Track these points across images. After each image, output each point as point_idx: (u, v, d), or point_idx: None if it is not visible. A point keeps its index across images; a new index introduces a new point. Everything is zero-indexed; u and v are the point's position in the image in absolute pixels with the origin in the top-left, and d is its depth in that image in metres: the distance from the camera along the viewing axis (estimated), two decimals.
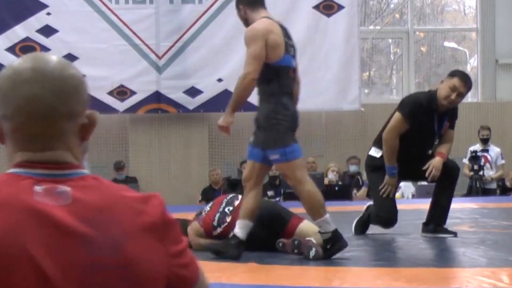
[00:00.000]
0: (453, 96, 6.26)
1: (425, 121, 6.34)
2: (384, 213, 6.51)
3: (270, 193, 13.09)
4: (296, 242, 5.16)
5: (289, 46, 5.33)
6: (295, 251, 5.18)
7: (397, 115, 6.33)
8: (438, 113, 6.37)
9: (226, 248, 5.11)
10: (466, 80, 6.40)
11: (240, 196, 5.79)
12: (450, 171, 6.44)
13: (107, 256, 1.50)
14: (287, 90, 5.31)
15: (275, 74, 5.31)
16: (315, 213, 5.03)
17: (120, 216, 1.55)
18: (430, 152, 6.59)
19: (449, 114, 6.50)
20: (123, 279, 1.51)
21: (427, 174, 6.35)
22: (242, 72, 5.38)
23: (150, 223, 1.57)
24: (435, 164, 6.35)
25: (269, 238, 5.42)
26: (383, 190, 6.46)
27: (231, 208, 5.67)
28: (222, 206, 5.72)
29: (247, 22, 5.46)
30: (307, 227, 5.47)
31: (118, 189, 1.61)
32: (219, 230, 5.61)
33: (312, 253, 4.99)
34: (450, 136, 6.60)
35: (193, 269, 1.68)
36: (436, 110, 6.34)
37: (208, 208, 5.82)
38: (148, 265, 1.55)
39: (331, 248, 4.97)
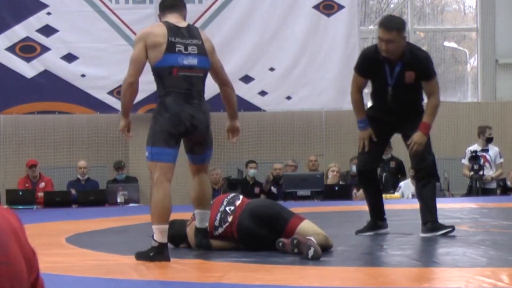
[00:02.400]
0: (382, 46, 6.20)
1: (376, 72, 6.33)
2: (359, 165, 6.63)
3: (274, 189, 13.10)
4: (295, 241, 5.16)
5: (178, 44, 5.26)
6: (295, 250, 5.18)
7: None
8: (388, 63, 6.27)
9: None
10: (385, 25, 6.20)
11: (241, 196, 5.80)
12: (426, 168, 6.37)
13: None
14: (173, 90, 5.29)
15: (157, 75, 5.41)
16: (153, 217, 5.09)
17: None
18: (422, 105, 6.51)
19: (407, 63, 6.26)
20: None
21: (409, 152, 6.32)
22: None
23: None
24: (416, 139, 6.28)
25: (270, 237, 5.42)
26: (358, 144, 6.53)
27: (232, 207, 5.64)
28: (223, 205, 5.68)
29: None
30: (308, 226, 5.47)
31: None
32: (220, 230, 5.59)
33: (310, 252, 4.98)
34: (429, 90, 6.34)
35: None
36: (386, 61, 6.26)
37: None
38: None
39: (150, 257, 5.00)
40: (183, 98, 5.28)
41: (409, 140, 6.32)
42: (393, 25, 6.20)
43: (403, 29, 6.24)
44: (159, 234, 5.02)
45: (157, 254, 5.00)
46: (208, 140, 5.44)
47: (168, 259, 5.00)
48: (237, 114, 5.72)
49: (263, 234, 5.45)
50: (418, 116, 6.37)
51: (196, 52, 5.33)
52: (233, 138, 5.72)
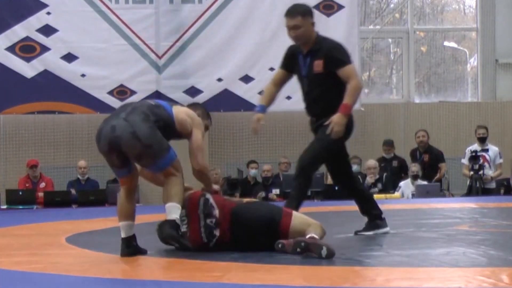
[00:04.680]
0: (291, 34, 6.19)
1: (294, 65, 6.32)
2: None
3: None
4: (303, 244, 5.11)
5: None
6: (297, 250, 5.16)
7: None
8: (302, 55, 6.25)
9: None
10: (289, 12, 6.19)
11: (212, 201, 5.51)
12: (299, 166, 6.19)
13: None
14: None
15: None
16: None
17: None
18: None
19: (315, 52, 6.20)
20: None
21: (327, 131, 6.08)
22: None
23: None
24: (335, 120, 6.06)
25: (267, 242, 5.39)
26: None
27: (213, 220, 5.44)
28: (201, 220, 5.47)
29: None
30: (300, 222, 5.44)
31: None
32: (212, 242, 5.47)
33: (324, 252, 4.98)
34: (345, 75, 6.10)
35: None
36: (300, 52, 6.25)
37: (186, 222, 5.50)
38: None
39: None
40: (112, 114, 5.49)
41: (328, 120, 6.09)
42: (296, 11, 6.19)
43: (308, 14, 6.21)
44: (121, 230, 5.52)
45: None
46: (149, 150, 5.27)
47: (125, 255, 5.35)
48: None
49: (260, 241, 5.42)
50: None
51: None
52: None
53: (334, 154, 6.40)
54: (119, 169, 5.45)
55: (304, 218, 5.50)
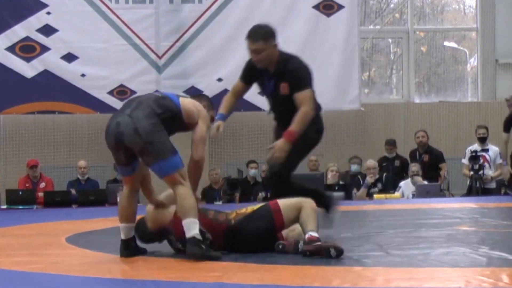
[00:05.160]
0: (253, 58, 6.16)
1: (256, 79, 6.29)
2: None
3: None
4: (308, 253, 5.09)
5: None
6: (298, 249, 5.17)
7: None
8: (266, 73, 6.19)
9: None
10: (251, 36, 6.16)
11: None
12: (272, 176, 6.16)
13: None
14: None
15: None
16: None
17: None
18: None
19: (280, 74, 6.13)
20: None
21: (268, 158, 5.99)
22: None
23: None
24: (278, 146, 5.94)
25: (267, 246, 5.39)
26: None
27: (208, 241, 5.29)
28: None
29: None
30: (289, 210, 5.36)
31: None
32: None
33: (333, 252, 5.00)
34: (299, 100, 6.03)
35: None
36: (264, 70, 6.18)
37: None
38: None
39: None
40: (119, 111, 5.47)
41: (272, 145, 6.02)
42: (258, 34, 6.11)
43: (270, 37, 6.10)
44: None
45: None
46: (150, 148, 5.21)
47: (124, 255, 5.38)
48: None
49: (260, 247, 5.39)
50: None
51: None
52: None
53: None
54: (124, 166, 5.43)
55: (291, 203, 5.42)
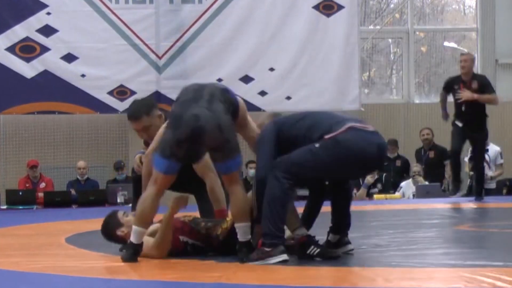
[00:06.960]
0: (143, 136, 6.10)
1: None
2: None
3: None
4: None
5: None
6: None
7: None
8: None
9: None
10: (131, 118, 6.00)
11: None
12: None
13: None
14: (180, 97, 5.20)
15: None
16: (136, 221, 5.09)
17: None
18: None
19: None
20: None
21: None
22: None
23: None
24: None
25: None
26: None
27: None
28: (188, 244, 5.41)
29: None
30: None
31: None
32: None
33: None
34: (199, 172, 6.20)
35: None
36: None
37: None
38: None
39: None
40: (189, 100, 5.07)
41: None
42: (138, 112, 5.91)
43: (147, 113, 5.88)
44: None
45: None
46: (227, 145, 5.12)
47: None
48: None
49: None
50: None
51: None
52: None
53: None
54: (176, 162, 5.03)
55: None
